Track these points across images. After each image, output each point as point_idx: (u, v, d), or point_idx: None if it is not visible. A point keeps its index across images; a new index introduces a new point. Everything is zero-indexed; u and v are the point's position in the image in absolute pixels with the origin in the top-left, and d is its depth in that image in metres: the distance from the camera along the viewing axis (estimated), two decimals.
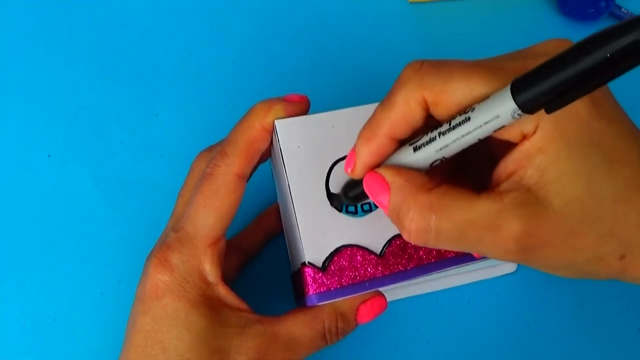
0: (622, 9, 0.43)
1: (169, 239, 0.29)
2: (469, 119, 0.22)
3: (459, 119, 0.22)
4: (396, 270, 0.30)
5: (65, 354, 0.37)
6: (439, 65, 0.24)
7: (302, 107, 0.30)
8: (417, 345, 0.37)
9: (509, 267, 0.38)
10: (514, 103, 0.20)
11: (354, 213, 0.30)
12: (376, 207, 0.30)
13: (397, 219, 0.25)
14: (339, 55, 0.42)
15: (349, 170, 0.27)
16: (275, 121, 0.29)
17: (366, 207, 0.30)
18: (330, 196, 0.30)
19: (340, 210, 0.30)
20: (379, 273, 0.29)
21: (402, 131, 0.25)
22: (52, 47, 0.41)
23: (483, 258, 0.30)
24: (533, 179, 0.22)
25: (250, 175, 0.30)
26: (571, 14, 0.44)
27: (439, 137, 0.23)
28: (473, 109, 0.22)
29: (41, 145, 0.40)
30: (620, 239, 0.23)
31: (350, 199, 0.29)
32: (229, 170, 0.29)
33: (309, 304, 0.30)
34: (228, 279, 0.30)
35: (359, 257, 0.29)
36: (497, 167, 0.24)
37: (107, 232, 0.38)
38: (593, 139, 0.22)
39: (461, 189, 0.24)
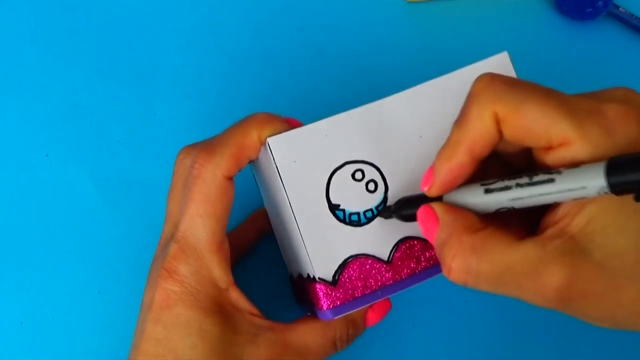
0: (620, 9, 0.43)
1: (172, 250, 0.29)
2: (552, 180, 0.22)
3: (542, 177, 0.22)
4: (406, 275, 0.29)
5: (63, 352, 0.37)
6: (512, 83, 0.23)
7: None
8: (415, 344, 0.38)
9: None
10: (605, 182, 0.20)
11: (357, 222, 0.29)
12: (378, 213, 0.30)
13: (440, 255, 0.25)
14: (337, 55, 0.42)
15: (426, 188, 0.26)
16: (268, 139, 0.28)
17: (369, 215, 0.29)
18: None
19: (350, 219, 0.30)
20: (389, 280, 0.29)
21: (481, 147, 0.24)
22: (50, 47, 0.41)
23: None
24: (578, 227, 0.22)
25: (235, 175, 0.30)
26: (569, 13, 0.44)
27: (515, 188, 0.23)
28: (560, 172, 0.22)
29: (40, 144, 0.40)
30: None
31: (402, 217, 0.28)
32: (217, 172, 0.28)
33: (323, 318, 0.29)
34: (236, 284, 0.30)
35: (367, 266, 0.29)
36: (548, 213, 0.24)
37: (105, 231, 0.38)
38: None
39: (506, 232, 0.23)
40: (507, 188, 0.23)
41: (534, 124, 0.22)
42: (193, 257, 0.29)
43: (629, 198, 0.21)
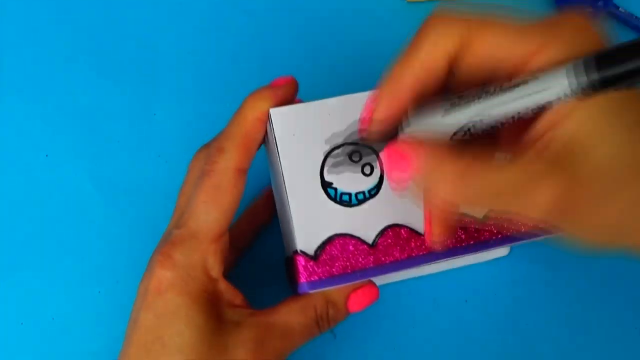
0: (620, 9, 0.43)
1: (172, 236, 0.30)
2: (526, 82, 0.21)
3: (516, 81, 0.22)
4: (387, 261, 0.30)
5: (63, 353, 0.37)
6: (468, 13, 0.23)
7: (291, 89, 0.30)
8: (415, 344, 0.37)
9: (502, 251, 0.39)
10: (576, 79, 0.20)
11: (348, 202, 0.30)
12: (370, 196, 0.30)
13: (427, 184, 0.24)
14: (336, 55, 0.42)
15: (365, 125, 0.26)
16: (270, 110, 0.29)
17: (360, 197, 0.30)
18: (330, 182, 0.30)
19: (340, 198, 0.30)
20: (370, 263, 0.29)
21: (427, 80, 0.23)
22: (50, 47, 0.41)
23: (475, 251, 0.30)
24: (568, 135, 0.22)
25: (249, 166, 0.31)
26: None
27: (477, 100, 0.22)
28: (536, 77, 0.21)
29: (39, 144, 0.40)
30: None
31: (355, 162, 0.28)
32: (228, 165, 0.29)
33: (300, 291, 0.30)
34: (224, 274, 0.31)
35: (350, 247, 0.29)
36: (533, 126, 0.23)
37: (105, 231, 0.38)
38: (626, 101, 0.21)
39: (487, 157, 0.23)
40: (469, 103, 0.23)
41: (503, 38, 0.22)
42: (190, 243, 0.29)
43: (606, 103, 0.21)
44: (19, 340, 0.37)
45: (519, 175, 0.22)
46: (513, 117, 0.22)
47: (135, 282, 0.31)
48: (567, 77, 0.20)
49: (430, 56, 0.23)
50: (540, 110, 0.22)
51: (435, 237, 0.28)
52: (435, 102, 0.24)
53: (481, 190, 0.23)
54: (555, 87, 0.20)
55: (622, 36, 0.44)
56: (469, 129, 0.23)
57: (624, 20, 0.43)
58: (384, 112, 0.25)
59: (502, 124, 0.23)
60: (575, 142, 0.22)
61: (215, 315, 0.29)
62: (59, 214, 0.39)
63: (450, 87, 0.25)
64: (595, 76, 0.19)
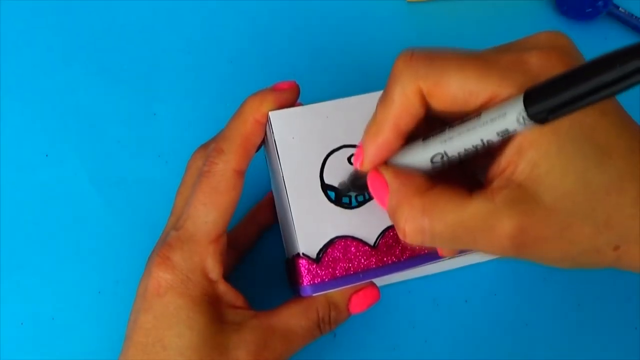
0: (620, 9, 0.43)
1: (170, 238, 0.30)
2: (479, 115, 0.22)
3: (470, 116, 0.22)
4: (390, 262, 0.30)
5: (63, 352, 0.37)
6: (431, 56, 0.24)
7: (293, 94, 0.30)
8: (415, 344, 0.38)
9: None
10: (521, 105, 0.20)
11: (348, 204, 0.30)
12: (370, 198, 0.30)
13: (393, 219, 0.25)
14: (336, 55, 0.42)
15: (357, 164, 0.27)
16: (270, 113, 0.29)
17: (360, 198, 0.30)
18: (335, 186, 0.30)
19: (340, 200, 0.30)
20: (372, 264, 0.30)
21: (406, 123, 0.25)
22: (50, 47, 0.41)
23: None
24: (524, 174, 0.22)
25: (247, 168, 0.31)
26: (569, 14, 0.44)
27: (448, 131, 0.23)
28: (486, 110, 0.22)
29: (39, 144, 0.40)
30: (614, 230, 0.23)
31: (357, 187, 0.29)
32: (227, 166, 0.29)
33: (303, 294, 0.30)
34: (225, 276, 0.31)
35: (352, 249, 0.29)
36: (492, 165, 0.24)
37: (105, 231, 0.38)
38: (585, 132, 0.22)
39: (456, 190, 0.24)
40: (441, 132, 0.24)
41: (458, 92, 0.23)
42: (189, 245, 0.29)
43: (565, 136, 0.22)
44: (19, 340, 0.37)
45: (476, 216, 0.23)
46: (475, 148, 0.23)
47: (135, 283, 0.31)
48: (503, 117, 0.21)
49: (401, 101, 0.24)
50: (497, 146, 0.22)
51: (446, 253, 0.29)
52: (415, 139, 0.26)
53: (440, 234, 0.23)
54: (500, 120, 0.21)
55: (622, 36, 0.44)
56: (443, 159, 0.24)
57: (624, 20, 0.43)
58: (372, 156, 0.26)
59: (469, 154, 0.23)
60: (532, 182, 0.22)
61: (215, 317, 0.29)
62: (59, 214, 0.39)
63: (432, 124, 0.26)
64: (533, 109, 0.20)
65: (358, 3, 0.43)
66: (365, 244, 0.30)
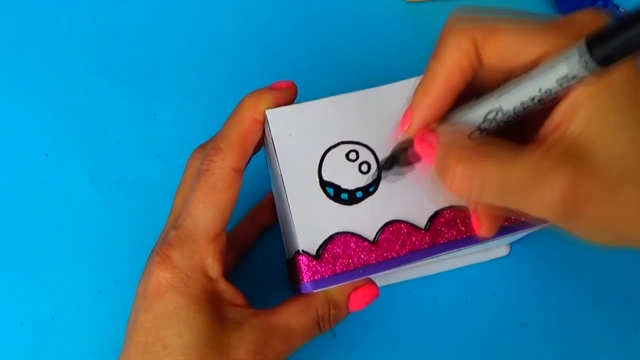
0: (620, 8, 0.43)
1: (169, 237, 0.30)
2: (536, 67, 0.22)
3: (524, 75, 0.22)
4: (389, 257, 0.30)
5: (63, 352, 0.37)
6: (485, 11, 0.24)
7: (290, 93, 0.30)
8: (415, 344, 0.38)
9: (502, 251, 0.39)
10: (586, 50, 0.20)
11: (347, 200, 0.30)
12: (369, 194, 0.30)
13: (442, 166, 0.24)
14: (336, 55, 0.42)
15: (405, 128, 0.26)
16: (266, 111, 0.29)
17: (359, 195, 0.30)
18: (334, 182, 0.30)
19: (339, 197, 0.30)
20: (372, 260, 0.30)
21: (457, 78, 0.24)
22: (50, 47, 0.41)
23: (475, 243, 0.30)
24: (577, 130, 0.22)
25: (245, 167, 0.31)
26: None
27: (503, 86, 0.23)
28: (544, 62, 0.22)
29: (39, 144, 0.40)
30: None
31: (401, 162, 0.28)
32: (225, 165, 0.29)
33: (303, 291, 0.30)
34: (225, 275, 0.31)
35: (352, 244, 0.29)
36: (545, 122, 0.23)
37: (104, 231, 0.38)
38: (637, 96, 0.22)
39: (508, 144, 0.23)
40: (496, 90, 0.23)
41: (513, 41, 0.23)
42: (188, 244, 0.29)
43: (620, 94, 0.21)
44: (19, 340, 0.37)
45: (528, 168, 0.22)
46: (532, 101, 0.22)
47: (135, 282, 0.31)
48: (565, 61, 0.21)
49: (455, 54, 0.24)
50: (551, 101, 0.22)
51: (484, 232, 0.28)
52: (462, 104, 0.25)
53: (491, 182, 0.23)
54: (562, 65, 0.21)
55: None
56: (491, 121, 0.24)
57: None
58: (422, 113, 0.25)
59: (519, 115, 0.23)
60: (584, 139, 0.22)
61: (216, 316, 0.29)
62: (59, 214, 0.39)
63: (479, 89, 0.25)
64: (599, 52, 0.20)
65: (358, 3, 0.43)
66: (364, 239, 0.30)
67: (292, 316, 0.30)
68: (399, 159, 0.28)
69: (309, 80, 0.42)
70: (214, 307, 0.29)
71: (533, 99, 0.22)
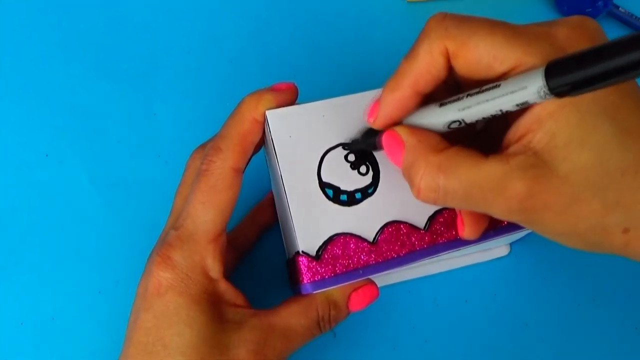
0: (620, 9, 0.43)
1: (169, 237, 0.30)
2: (498, 85, 0.22)
3: (489, 85, 0.23)
4: (389, 257, 0.30)
5: (63, 352, 0.37)
6: (463, 19, 0.24)
7: (291, 95, 0.30)
8: (415, 344, 0.38)
9: (502, 251, 0.39)
10: (542, 80, 0.20)
11: (346, 201, 0.30)
12: (368, 195, 0.30)
13: (408, 176, 0.25)
14: (336, 55, 0.42)
15: (371, 119, 0.27)
16: (267, 112, 0.29)
17: (358, 196, 0.30)
18: (334, 184, 0.30)
19: (338, 198, 0.30)
20: (372, 260, 0.30)
21: (425, 83, 0.25)
22: (50, 47, 0.41)
23: (476, 243, 0.30)
24: (542, 143, 0.23)
25: (245, 167, 0.31)
26: (569, 14, 0.44)
27: (466, 98, 0.24)
28: (506, 79, 0.22)
29: (39, 144, 0.40)
30: (625, 211, 0.23)
31: (368, 144, 0.29)
32: (225, 165, 0.29)
33: (303, 292, 0.30)
34: (225, 276, 0.31)
35: (352, 245, 0.30)
36: (509, 131, 0.24)
37: (104, 231, 0.38)
38: (606, 111, 0.22)
39: (471, 151, 0.24)
40: (459, 99, 0.24)
41: (483, 55, 0.23)
42: (189, 244, 0.29)
43: (586, 111, 0.22)
44: (19, 340, 0.37)
45: (490, 179, 0.23)
46: (492, 117, 0.23)
47: (135, 282, 0.31)
48: (524, 90, 0.21)
49: (426, 59, 0.24)
50: (519, 110, 0.23)
51: (466, 234, 0.28)
52: (432, 102, 0.26)
53: (453, 194, 0.24)
54: (520, 92, 0.21)
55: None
56: (460, 126, 0.24)
57: (624, 20, 0.43)
58: (387, 109, 0.26)
59: (486, 119, 0.24)
60: (548, 152, 0.22)
61: (216, 316, 0.29)
62: (59, 214, 0.39)
63: (452, 89, 0.26)
64: (555, 82, 0.20)
65: (358, 3, 0.43)
66: (364, 240, 0.30)
67: (292, 316, 0.30)
68: (369, 142, 0.29)
69: (309, 80, 0.42)
70: (214, 308, 0.29)
71: (493, 116, 0.23)
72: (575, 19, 0.24)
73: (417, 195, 0.25)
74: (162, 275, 0.29)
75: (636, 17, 0.43)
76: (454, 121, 0.24)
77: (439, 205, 0.25)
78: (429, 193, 0.24)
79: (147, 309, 0.29)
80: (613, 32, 0.44)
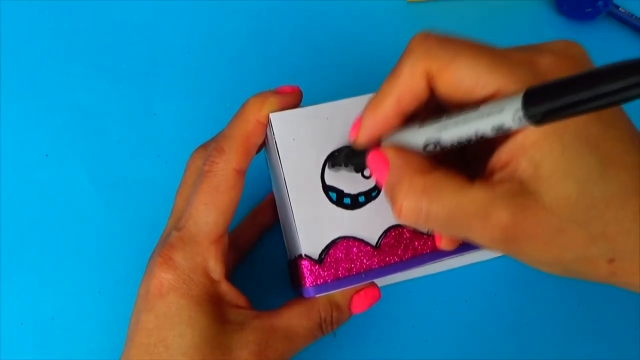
0: (620, 9, 0.43)
1: (171, 238, 0.30)
2: (477, 108, 0.22)
3: (469, 108, 0.23)
4: (392, 262, 0.30)
5: (63, 352, 0.37)
6: (446, 40, 0.24)
7: (295, 98, 0.30)
8: (415, 344, 0.38)
9: None
10: (520, 104, 0.20)
11: (350, 205, 0.30)
12: (372, 198, 0.30)
13: (391, 197, 0.25)
14: (336, 55, 0.42)
15: (352, 138, 0.27)
16: (270, 114, 0.29)
17: (361, 199, 0.30)
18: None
19: (342, 201, 0.30)
20: (374, 264, 0.30)
21: (407, 103, 0.25)
22: (50, 47, 0.41)
23: (477, 248, 0.30)
24: (526, 173, 0.22)
25: (247, 168, 0.31)
26: (569, 14, 0.44)
27: (445, 119, 0.23)
28: (485, 103, 0.22)
29: (39, 144, 0.40)
30: (610, 242, 0.23)
31: (352, 165, 0.29)
32: (228, 166, 0.29)
33: (306, 295, 0.30)
34: (226, 276, 0.31)
35: (354, 249, 0.30)
36: (492, 157, 0.24)
37: (104, 231, 0.38)
38: (589, 141, 0.22)
39: (456, 175, 0.24)
40: (439, 120, 0.24)
41: (465, 78, 0.23)
42: (190, 246, 0.29)
43: (569, 142, 0.22)
44: (19, 340, 0.37)
45: (474, 205, 0.23)
46: (469, 140, 0.23)
47: (135, 283, 0.31)
48: (500, 113, 0.21)
49: (408, 80, 0.24)
50: (496, 136, 0.23)
51: (443, 245, 0.29)
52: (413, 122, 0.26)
53: (435, 218, 0.24)
54: (497, 115, 0.21)
55: (622, 36, 0.44)
56: (435, 149, 0.24)
57: (624, 20, 0.43)
58: (369, 128, 0.26)
59: (462, 145, 0.24)
60: (533, 181, 0.22)
61: (218, 317, 0.29)
62: (59, 214, 0.39)
63: (433, 109, 0.26)
64: (532, 109, 0.20)
65: (358, 3, 0.43)
66: (367, 244, 0.30)
67: (294, 318, 0.30)
68: (353, 161, 0.29)
69: (309, 80, 0.42)
70: (215, 309, 0.29)
71: (469, 139, 0.23)
72: (560, 44, 0.24)
73: (398, 215, 0.24)
74: (163, 277, 0.29)
75: (636, 17, 0.43)
76: (430, 143, 0.24)
77: (420, 227, 0.25)
78: (411, 215, 0.24)
79: (148, 310, 0.29)
80: (613, 32, 0.44)
